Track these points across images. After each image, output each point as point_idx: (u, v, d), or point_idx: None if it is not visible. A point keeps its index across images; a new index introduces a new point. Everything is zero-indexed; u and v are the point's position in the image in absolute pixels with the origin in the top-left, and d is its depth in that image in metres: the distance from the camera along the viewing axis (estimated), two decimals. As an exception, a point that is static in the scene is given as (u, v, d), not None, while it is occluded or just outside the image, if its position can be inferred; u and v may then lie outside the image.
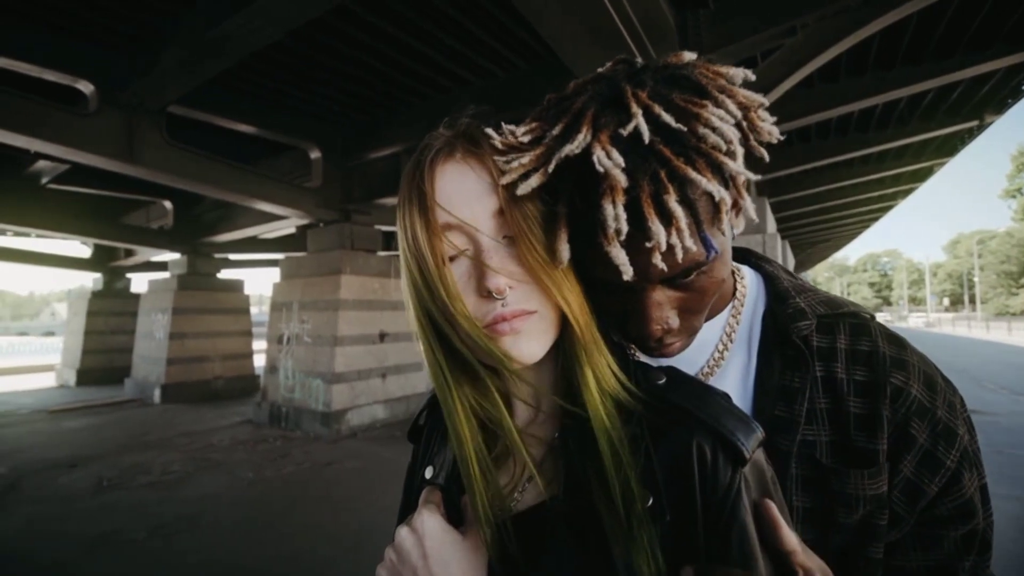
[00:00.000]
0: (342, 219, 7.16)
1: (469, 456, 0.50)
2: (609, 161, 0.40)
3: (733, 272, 0.65)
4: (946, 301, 69.91)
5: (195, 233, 9.53)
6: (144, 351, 9.93)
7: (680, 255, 0.42)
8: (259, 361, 9.27)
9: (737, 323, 0.63)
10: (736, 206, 0.46)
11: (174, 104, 4.85)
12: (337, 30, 4.16)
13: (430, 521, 0.50)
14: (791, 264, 4.41)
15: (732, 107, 0.44)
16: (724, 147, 0.42)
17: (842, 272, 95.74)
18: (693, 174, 0.41)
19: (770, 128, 0.47)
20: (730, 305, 0.64)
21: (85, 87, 4.38)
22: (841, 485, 0.53)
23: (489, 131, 0.50)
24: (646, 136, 0.41)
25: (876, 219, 16.48)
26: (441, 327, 0.49)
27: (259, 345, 9.64)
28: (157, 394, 9.09)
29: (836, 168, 8.87)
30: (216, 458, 5.43)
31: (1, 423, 7.34)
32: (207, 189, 5.75)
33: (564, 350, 0.50)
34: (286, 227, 8.79)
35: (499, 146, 0.48)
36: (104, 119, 4.49)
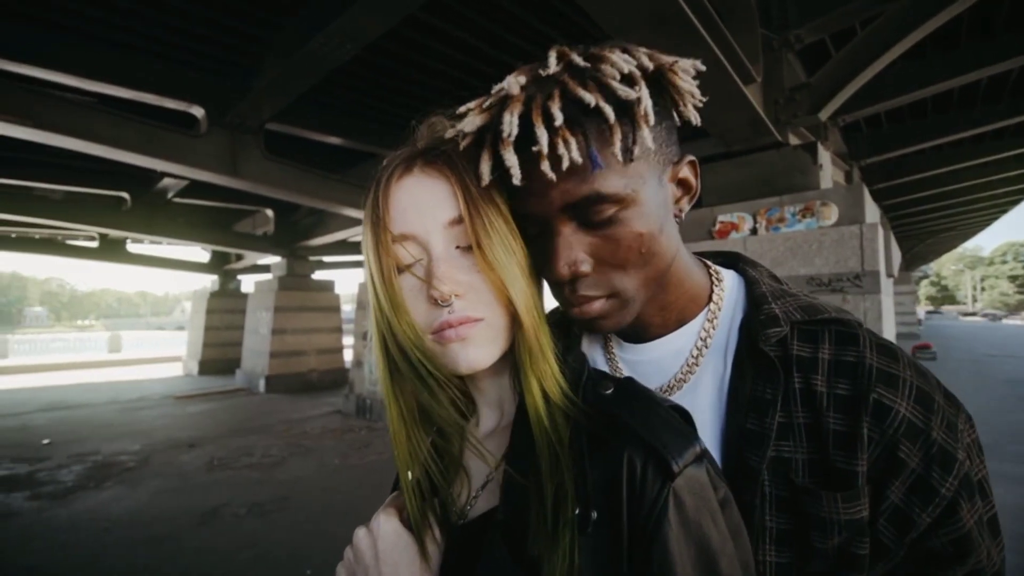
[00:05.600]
0: (419, 222, 7.47)
1: (402, 466, 0.53)
2: (513, 79, 0.46)
3: (710, 275, 0.63)
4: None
5: (293, 238, 10.42)
6: (251, 345, 11.04)
7: (565, 163, 0.44)
8: (349, 356, 9.94)
9: (714, 329, 0.60)
10: (629, 134, 0.47)
11: (270, 121, 5.33)
12: (406, 39, 4.33)
13: (386, 524, 0.52)
14: (896, 258, 3.92)
15: (643, 58, 0.48)
16: (617, 75, 0.45)
17: (974, 264, 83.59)
18: (580, 91, 0.44)
19: (691, 88, 0.49)
20: (705, 310, 0.61)
21: (197, 111, 4.94)
22: (815, 507, 0.49)
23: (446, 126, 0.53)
24: (552, 68, 0.46)
25: (1016, 202, 14.18)
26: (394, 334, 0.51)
27: (349, 341, 10.33)
28: (262, 384, 10.07)
29: (960, 146, 7.74)
30: (308, 444, 5.91)
31: (139, 406, 8.56)
32: (300, 198, 6.28)
33: (515, 357, 0.51)
34: (371, 230, 9.32)
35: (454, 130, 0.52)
36: (212, 139, 5.04)
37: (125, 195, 8.13)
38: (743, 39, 3.38)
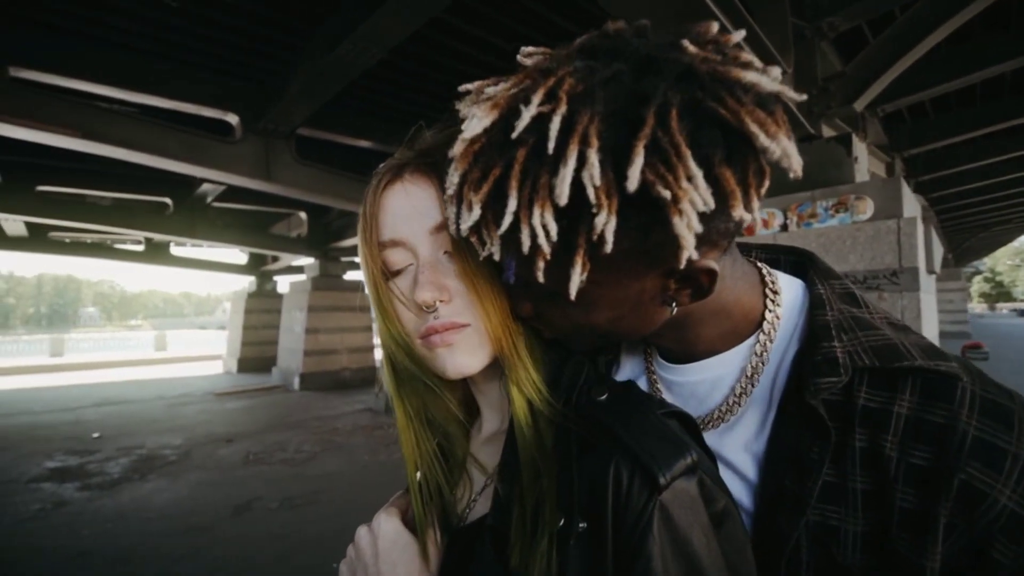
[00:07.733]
0: (446, 223, 7.56)
1: (411, 466, 0.54)
2: (468, 131, 0.36)
3: (765, 291, 0.51)
4: None
5: (325, 240, 10.71)
6: (287, 344, 11.39)
7: (483, 254, 0.40)
8: (379, 354, 10.10)
9: (763, 362, 0.49)
10: (561, 266, 0.35)
11: (302, 127, 5.48)
12: (426, 39, 4.36)
13: (387, 523, 0.53)
14: (938, 254, 3.71)
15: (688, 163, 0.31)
16: (561, 199, 0.32)
17: (1032, 260, 78.46)
18: (511, 196, 0.33)
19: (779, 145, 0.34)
20: (754, 337, 0.50)
21: (232, 119, 5.13)
22: None
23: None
24: (516, 131, 0.33)
25: (1079, 193, 13.24)
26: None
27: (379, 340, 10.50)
28: (297, 382, 10.37)
29: (1013, 133, 7.29)
30: (339, 441, 6.06)
31: (182, 402, 8.95)
32: (330, 200, 6.46)
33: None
34: (399, 232, 9.50)
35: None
36: (247, 145, 5.23)
37: (168, 200, 8.51)
38: (771, 30, 3.28)
